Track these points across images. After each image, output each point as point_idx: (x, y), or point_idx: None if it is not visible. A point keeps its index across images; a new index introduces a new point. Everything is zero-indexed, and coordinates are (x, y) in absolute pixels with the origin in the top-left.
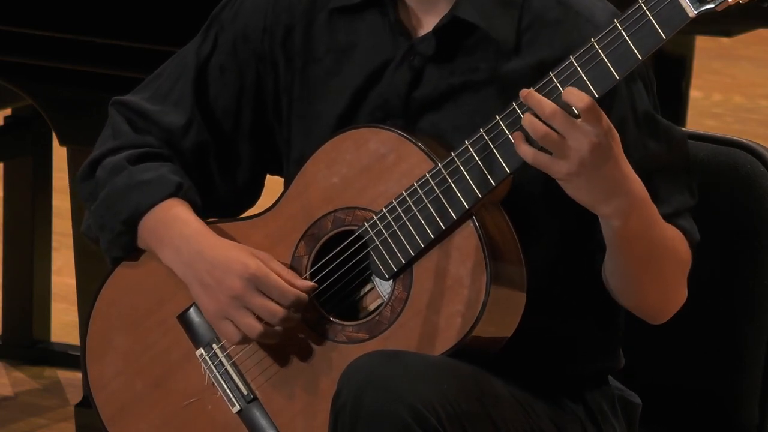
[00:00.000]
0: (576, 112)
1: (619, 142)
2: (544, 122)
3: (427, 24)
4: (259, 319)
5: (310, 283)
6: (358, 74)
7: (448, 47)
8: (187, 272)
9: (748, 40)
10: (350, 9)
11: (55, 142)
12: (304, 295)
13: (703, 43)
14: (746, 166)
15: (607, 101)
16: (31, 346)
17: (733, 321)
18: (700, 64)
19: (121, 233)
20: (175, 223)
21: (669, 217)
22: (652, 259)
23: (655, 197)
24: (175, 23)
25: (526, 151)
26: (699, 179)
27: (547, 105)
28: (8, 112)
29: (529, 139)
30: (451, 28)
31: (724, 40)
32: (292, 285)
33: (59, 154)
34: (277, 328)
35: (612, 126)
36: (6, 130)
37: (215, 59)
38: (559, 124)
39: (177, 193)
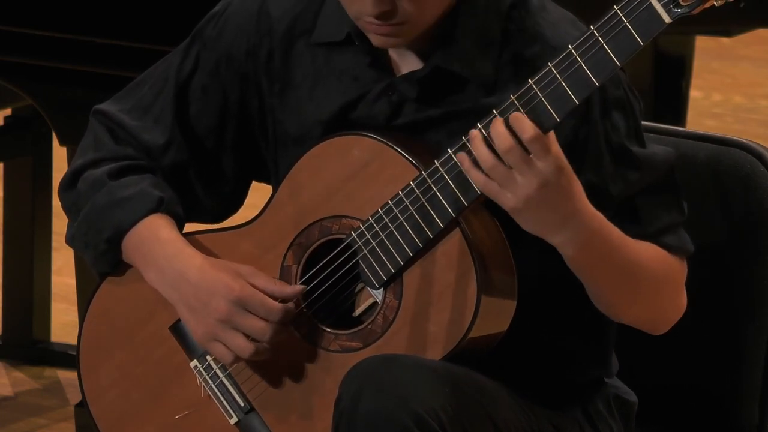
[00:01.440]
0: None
1: (570, 179)
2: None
3: (406, 61)
4: (250, 337)
5: (299, 288)
6: (333, 103)
7: (429, 90)
8: (173, 294)
9: (748, 40)
10: (332, 44)
11: (55, 142)
12: (291, 307)
13: (703, 43)
14: (746, 166)
15: (582, 135)
16: (31, 346)
17: (733, 321)
18: (700, 64)
19: (105, 251)
20: (157, 243)
21: (651, 237)
22: (619, 282)
23: (636, 218)
24: (175, 23)
25: (477, 178)
26: (701, 179)
27: (505, 139)
28: (8, 112)
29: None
30: (433, 75)
31: (724, 40)
32: (282, 293)
33: (59, 154)
34: (267, 344)
35: (564, 165)
36: (6, 130)
37: (197, 79)
38: (512, 159)
39: (158, 208)
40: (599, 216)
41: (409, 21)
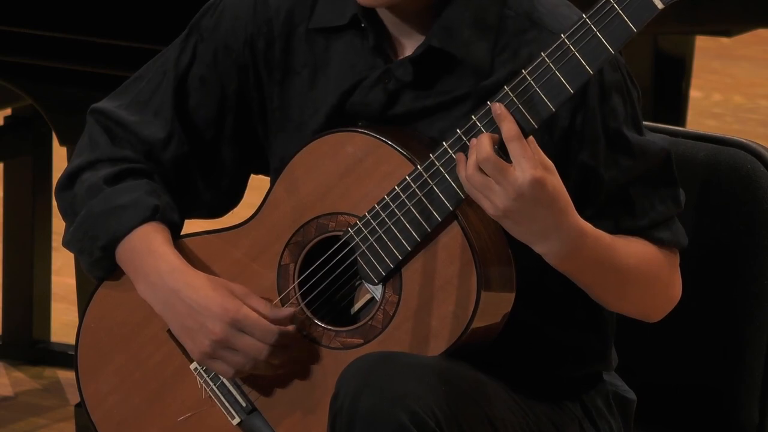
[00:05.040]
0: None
1: (552, 193)
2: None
3: (406, 46)
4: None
5: (291, 310)
6: (333, 91)
7: (425, 73)
8: (166, 311)
9: (748, 40)
10: (330, 29)
11: (55, 142)
12: (286, 329)
13: (703, 43)
14: (746, 166)
15: (579, 120)
16: (31, 346)
17: (733, 321)
18: (700, 64)
19: (100, 258)
20: (149, 257)
21: (644, 230)
22: (605, 286)
23: (629, 209)
24: (175, 23)
25: (463, 182)
26: (700, 179)
27: (484, 149)
28: (8, 112)
29: None
30: (427, 56)
31: (724, 40)
32: (274, 316)
33: (59, 154)
34: (265, 363)
35: (542, 179)
36: (6, 130)
37: (195, 70)
38: (489, 169)
39: (153, 216)
40: (588, 229)
41: None
